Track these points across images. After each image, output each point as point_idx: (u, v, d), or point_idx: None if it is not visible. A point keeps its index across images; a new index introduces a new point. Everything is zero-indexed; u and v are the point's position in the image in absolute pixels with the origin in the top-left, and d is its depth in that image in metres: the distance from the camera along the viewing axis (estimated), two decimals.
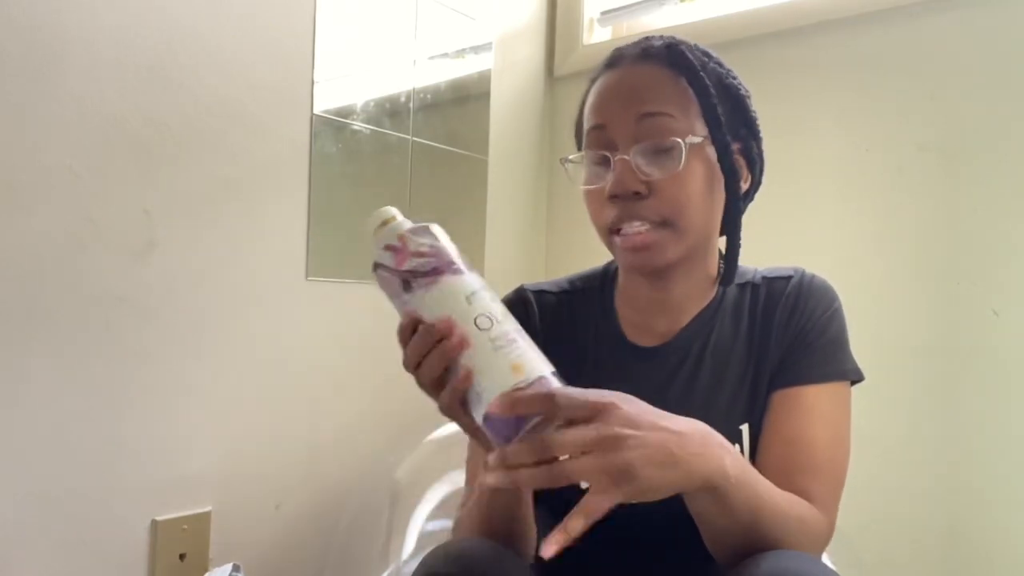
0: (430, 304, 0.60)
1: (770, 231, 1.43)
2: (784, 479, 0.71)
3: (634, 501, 0.57)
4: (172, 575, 1.21)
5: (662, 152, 0.75)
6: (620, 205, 0.76)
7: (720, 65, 0.82)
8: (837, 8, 1.41)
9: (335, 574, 1.36)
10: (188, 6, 1.21)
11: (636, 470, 0.56)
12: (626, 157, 0.75)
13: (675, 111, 0.76)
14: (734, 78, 0.82)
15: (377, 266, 0.63)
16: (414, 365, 0.61)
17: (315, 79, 1.38)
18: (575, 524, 0.55)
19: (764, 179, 0.85)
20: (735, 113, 0.80)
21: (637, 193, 0.75)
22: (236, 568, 1.21)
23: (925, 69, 1.32)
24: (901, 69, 1.34)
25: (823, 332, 0.79)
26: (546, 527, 0.86)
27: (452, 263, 0.62)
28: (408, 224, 0.63)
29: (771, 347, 0.80)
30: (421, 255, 0.61)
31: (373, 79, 1.48)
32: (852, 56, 1.40)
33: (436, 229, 0.64)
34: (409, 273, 0.61)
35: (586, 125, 0.81)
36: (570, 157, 0.83)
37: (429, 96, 1.59)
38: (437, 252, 0.62)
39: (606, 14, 1.83)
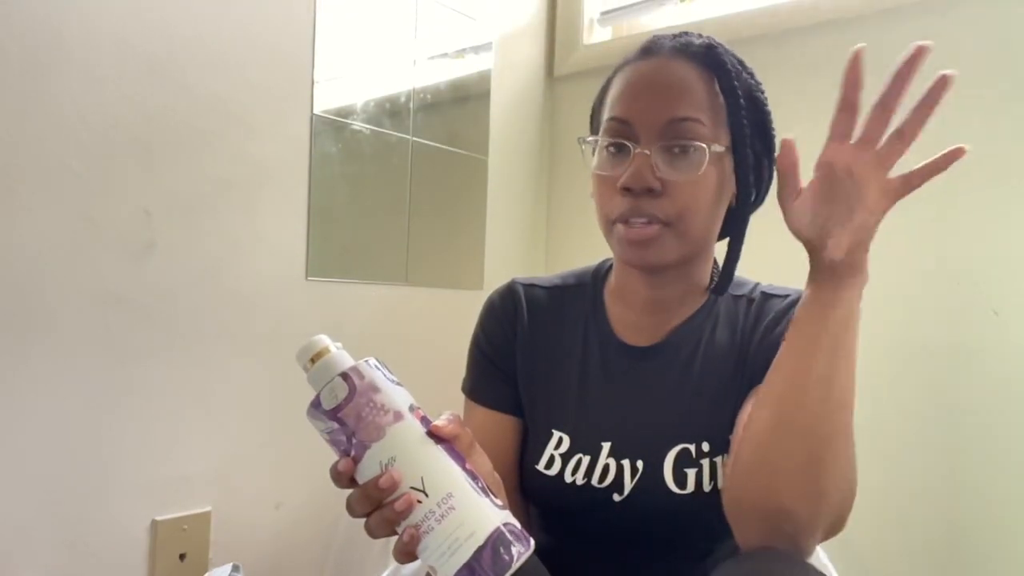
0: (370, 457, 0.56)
1: (769, 231, 1.43)
2: None
3: None
4: (172, 575, 1.21)
5: (684, 154, 0.74)
6: (631, 198, 0.75)
7: (752, 76, 0.81)
8: (837, 8, 1.41)
9: (335, 574, 1.36)
10: (188, 6, 1.21)
11: None
12: (647, 152, 0.74)
13: (704, 117, 0.75)
14: (762, 92, 0.81)
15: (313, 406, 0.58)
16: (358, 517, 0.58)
17: (315, 79, 1.38)
18: None
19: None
20: (757, 127, 0.79)
21: (650, 190, 0.74)
22: (236, 568, 1.21)
23: (925, 69, 1.32)
24: None
25: None
26: (536, 523, 0.86)
27: (394, 411, 0.56)
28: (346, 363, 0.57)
29: (754, 358, 0.78)
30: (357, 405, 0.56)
31: (373, 79, 1.48)
32: None
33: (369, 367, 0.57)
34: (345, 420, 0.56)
35: (608, 113, 0.79)
36: (587, 138, 0.82)
37: (429, 96, 1.59)
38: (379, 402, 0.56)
39: (606, 14, 1.83)
